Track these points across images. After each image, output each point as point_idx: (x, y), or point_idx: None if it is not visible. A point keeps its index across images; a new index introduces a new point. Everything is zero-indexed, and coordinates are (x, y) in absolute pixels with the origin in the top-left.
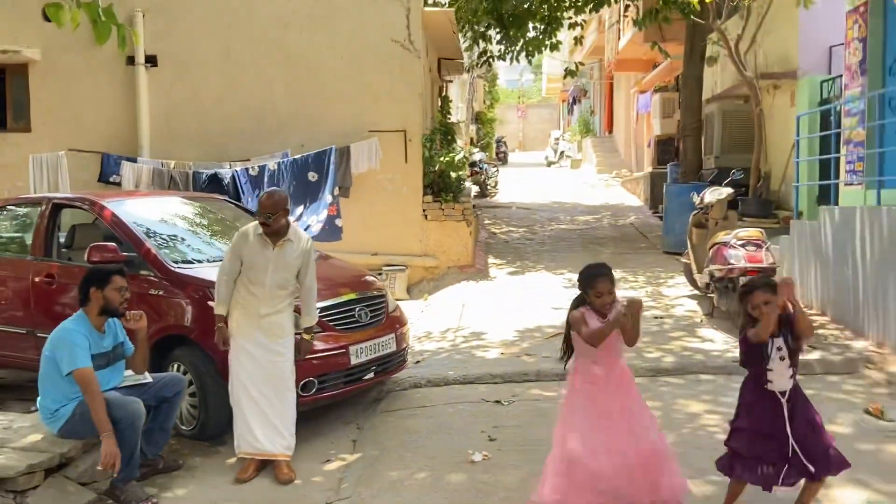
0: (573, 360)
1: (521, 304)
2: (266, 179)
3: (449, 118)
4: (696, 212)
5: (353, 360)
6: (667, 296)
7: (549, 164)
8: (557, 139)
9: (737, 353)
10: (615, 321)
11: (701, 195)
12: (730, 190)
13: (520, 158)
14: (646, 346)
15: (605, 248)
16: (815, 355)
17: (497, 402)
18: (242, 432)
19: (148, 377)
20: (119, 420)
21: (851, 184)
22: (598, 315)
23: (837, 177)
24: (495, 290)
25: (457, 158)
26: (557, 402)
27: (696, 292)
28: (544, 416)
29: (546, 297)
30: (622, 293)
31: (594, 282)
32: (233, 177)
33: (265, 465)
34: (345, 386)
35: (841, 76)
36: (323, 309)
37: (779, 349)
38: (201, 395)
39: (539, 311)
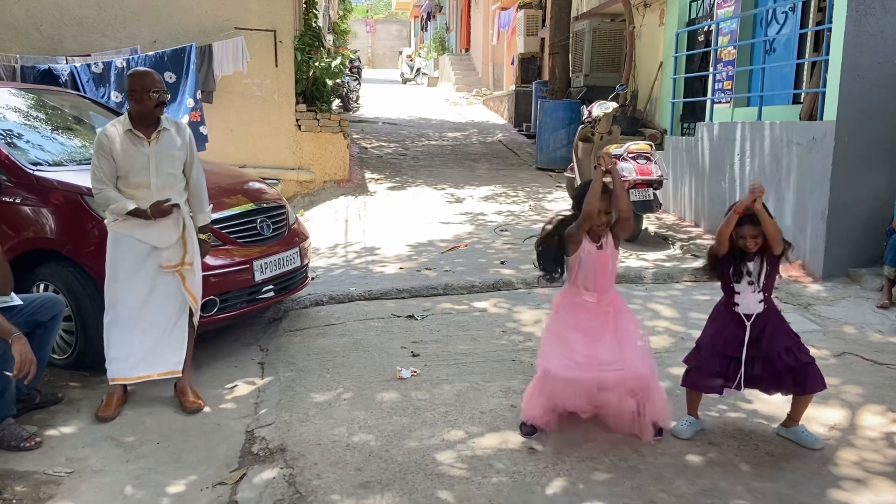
0: (562, 287)
1: (408, 219)
2: (113, 77)
3: (317, 23)
4: (582, 125)
5: (258, 277)
6: (550, 210)
7: (405, 81)
8: (410, 56)
9: (625, 262)
10: (596, 181)
11: (589, 108)
12: (615, 104)
13: (371, 75)
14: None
15: (479, 164)
16: (699, 263)
17: (410, 317)
18: (118, 356)
19: (16, 299)
20: None
21: (720, 102)
22: (592, 238)
23: (702, 95)
24: (377, 205)
25: (333, 64)
26: (472, 316)
27: None
28: (464, 329)
29: (431, 211)
30: (506, 207)
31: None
32: (71, 73)
33: (128, 399)
34: (248, 305)
35: None
36: (221, 220)
37: (748, 273)
38: (78, 318)
39: (428, 226)
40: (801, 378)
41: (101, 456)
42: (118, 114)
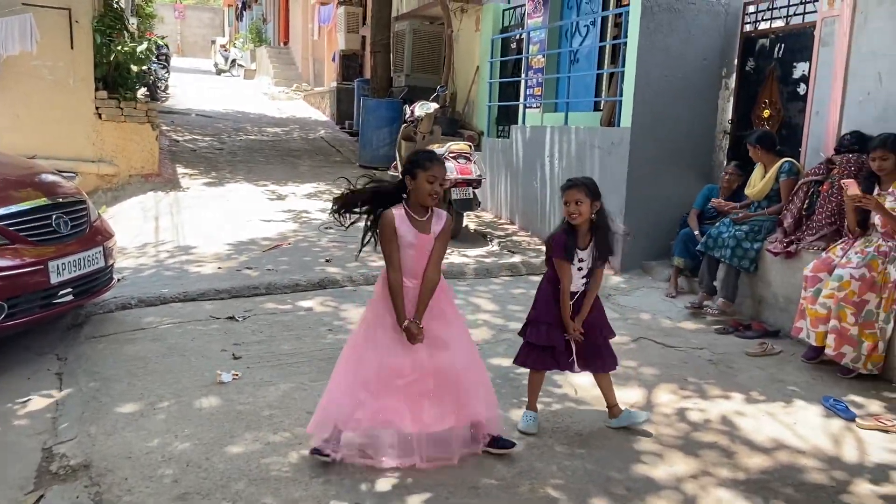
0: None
1: (227, 217)
2: None
3: (119, 4)
4: (405, 125)
5: (54, 279)
6: None
7: (219, 72)
8: (224, 46)
9: (448, 259)
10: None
11: (411, 108)
12: (436, 105)
13: (181, 63)
14: (368, 255)
15: (301, 160)
16: (517, 258)
17: (230, 318)
18: None
19: None
20: None
21: (531, 106)
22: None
23: (515, 99)
24: (192, 201)
25: (139, 49)
26: (297, 315)
27: None
28: (289, 328)
29: (251, 209)
30: (330, 205)
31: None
32: None
33: None
34: (42, 310)
35: (521, 5)
36: (8, 216)
37: (581, 260)
38: None
39: (248, 224)
40: (600, 357)
41: None
42: None
